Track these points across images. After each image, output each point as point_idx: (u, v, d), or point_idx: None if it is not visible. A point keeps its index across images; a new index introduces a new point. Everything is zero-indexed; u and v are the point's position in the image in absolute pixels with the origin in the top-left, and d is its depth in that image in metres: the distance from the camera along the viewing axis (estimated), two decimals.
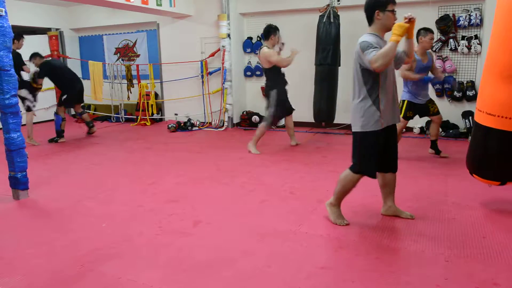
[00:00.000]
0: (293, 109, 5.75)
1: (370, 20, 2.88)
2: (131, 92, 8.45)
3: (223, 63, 7.41)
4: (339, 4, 6.30)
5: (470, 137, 3.27)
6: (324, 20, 6.13)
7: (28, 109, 6.39)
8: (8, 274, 2.48)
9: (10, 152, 3.81)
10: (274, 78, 5.41)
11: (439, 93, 6.33)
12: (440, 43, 6.19)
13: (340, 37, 6.16)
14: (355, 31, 6.55)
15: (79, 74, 9.47)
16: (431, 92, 5.44)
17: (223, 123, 7.61)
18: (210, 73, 7.80)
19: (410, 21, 2.75)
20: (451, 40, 6.11)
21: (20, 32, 6.14)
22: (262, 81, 7.62)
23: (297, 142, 5.90)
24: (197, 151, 5.83)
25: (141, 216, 3.40)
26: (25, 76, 6.30)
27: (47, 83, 8.89)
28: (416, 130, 6.53)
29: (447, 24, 6.05)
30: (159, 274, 2.45)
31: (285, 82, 5.52)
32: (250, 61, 7.80)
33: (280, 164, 4.91)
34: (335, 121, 6.68)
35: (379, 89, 2.82)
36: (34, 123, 6.63)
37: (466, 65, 6.21)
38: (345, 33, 6.20)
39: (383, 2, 2.81)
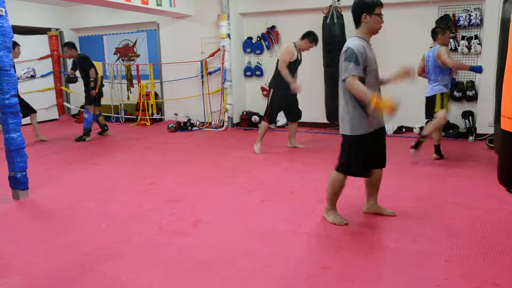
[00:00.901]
0: (299, 117, 5.67)
1: (357, 22, 2.87)
2: (131, 92, 8.45)
3: (223, 63, 7.41)
4: (339, 4, 6.30)
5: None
6: (328, 21, 6.16)
7: None
8: (8, 274, 2.48)
9: (10, 152, 3.81)
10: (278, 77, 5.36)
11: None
12: None
13: (346, 37, 6.18)
14: None
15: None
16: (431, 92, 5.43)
17: (223, 123, 7.61)
18: (210, 73, 7.80)
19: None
20: (451, 40, 6.11)
21: (14, 41, 6.19)
22: (262, 81, 7.68)
23: (295, 145, 5.78)
24: (197, 151, 5.82)
25: (141, 216, 3.40)
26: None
27: (48, 82, 8.96)
28: (416, 130, 6.53)
29: (447, 24, 6.05)
30: (159, 274, 2.44)
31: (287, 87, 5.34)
32: (250, 61, 7.80)
33: (280, 164, 4.91)
34: (335, 121, 6.70)
35: None
36: (27, 124, 6.64)
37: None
38: (351, 33, 6.22)
39: (370, 5, 2.80)
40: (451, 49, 6.14)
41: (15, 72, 6.03)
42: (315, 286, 2.27)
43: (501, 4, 4.22)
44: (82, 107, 9.18)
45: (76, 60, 6.59)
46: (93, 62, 8.47)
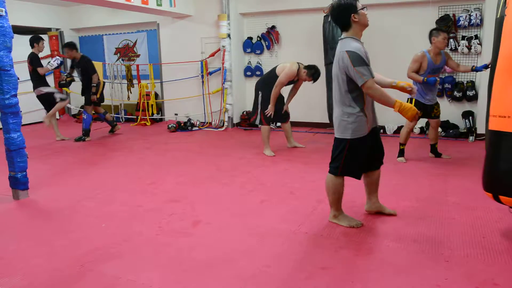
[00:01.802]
0: (288, 118, 5.66)
1: (347, 25, 2.83)
2: (131, 92, 8.45)
3: (223, 63, 7.42)
4: None
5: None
6: (329, 20, 6.16)
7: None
8: (8, 274, 2.48)
9: (10, 152, 3.81)
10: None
11: (439, 93, 6.31)
12: None
13: None
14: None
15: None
16: None
17: (223, 123, 7.61)
18: (210, 73, 7.80)
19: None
20: (451, 40, 6.11)
21: (39, 35, 6.29)
22: None
23: (294, 144, 5.79)
24: (197, 151, 5.83)
25: (141, 216, 3.40)
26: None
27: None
28: (416, 130, 6.53)
29: (447, 24, 6.05)
30: (159, 274, 2.44)
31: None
32: (250, 61, 7.80)
33: (280, 164, 4.91)
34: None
35: (364, 96, 2.83)
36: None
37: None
38: None
39: (353, 5, 2.81)
40: (451, 49, 6.15)
41: (42, 65, 6.19)
42: (315, 286, 2.27)
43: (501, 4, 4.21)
44: (82, 107, 9.21)
45: (79, 62, 6.57)
46: (94, 62, 8.53)
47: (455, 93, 6.20)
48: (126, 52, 9.04)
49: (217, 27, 7.39)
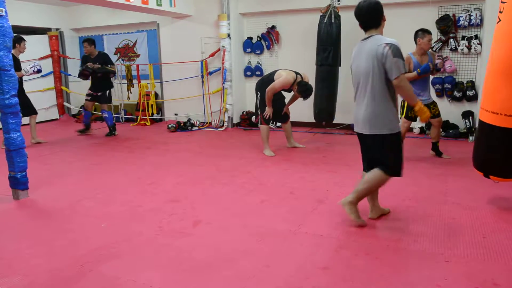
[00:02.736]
0: (288, 118, 5.66)
1: (377, 23, 2.90)
2: (131, 92, 8.44)
3: (223, 63, 7.41)
4: (339, 4, 6.30)
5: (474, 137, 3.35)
6: (325, 21, 6.15)
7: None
8: (8, 274, 2.48)
9: (10, 152, 3.81)
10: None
11: (439, 93, 6.33)
12: (440, 43, 6.19)
13: (342, 37, 6.17)
14: (355, 32, 6.62)
15: None
16: (431, 92, 5.43)
17: (223, 123, 7.61)
18: (210, 73, 7.80)
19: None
20: (451, 40, 6.11)
21: (21, 36, 6.17)
22: None
23: (294, 145, 5.78)
24: (197, 151, 5.83)
25: (141, 216, 3.40)
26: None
27: (48, 82, 8.95)
28: (416, 130, 6.53)
29: (447, 24, 6.05)
30: (159, 274, 2.44)
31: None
32: (250, 61, 7.80)
33: (280, 164, 4.91)
34: (335, 121, 6.70)
35: (395, 91, 2.89)
36: (27, 124, 6.63)
37: (466, 65, 6.21)
38: (345, 34, 6.21)
39: (382, 7, 2.94)
40: (451, 49, 6.15)
41: (21, 68, 6.12)
42: (315, 286, 2.27)
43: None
44: (81, 107, 9.21)
45: (97, 57, 6.78)
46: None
47: (455, 93, 6.20)
48: (126, 52, 9.04)
49: (217, 27, 7.39)
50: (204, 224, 3.18)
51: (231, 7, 7.33)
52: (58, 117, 9.22)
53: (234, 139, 6.62)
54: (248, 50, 7.69)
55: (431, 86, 4.94)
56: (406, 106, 4.73)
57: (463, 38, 6.12)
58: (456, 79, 6.28)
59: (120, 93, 8.64)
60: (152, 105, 8.27)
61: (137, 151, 5.89)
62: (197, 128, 7.68)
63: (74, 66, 9.40)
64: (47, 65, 8.96)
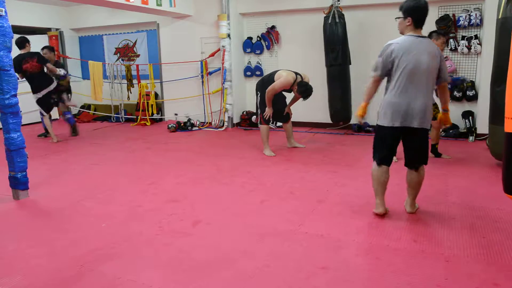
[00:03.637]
0: (289, 118, 5.66)
1: (424, 23, 3.06)
2: (131, 92, 8.45)
3: (223, 63, 7.42)
4: (339, 4, 6.30)
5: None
6: (329, 21, 6.16)
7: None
8: (8, 274, 2.48)
9: (10, 152, 3.81)
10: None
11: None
12: None
13: (348, 36, 6.19)
14: (359, 31, 6.64)
15: (79, 74, 9.54)
16: None
17: (223, 123, 7.61)
18: (210, 73, 7.80)
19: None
20: (451, 40, 6.12)
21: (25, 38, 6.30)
22: None
23: (294, 145, 5.78)
24: (197, 151, 5.83)
25: (141, 216, 3.40)
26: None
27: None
28: None
29: (447, 24, 6.05)
30: (159, 274, 2.45)
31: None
32: (250, 61, 7.80)
33: (280, 164, 4.91)
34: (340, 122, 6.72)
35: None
36: (35, 123, 6.67)
37: (466, 65, 6.21)
38: (353, 33, 6.22)
39: None
40: (451, 49, 6.15)
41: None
42: (315, 286, 2.27)
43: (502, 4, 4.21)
44: (82, 107, 9.22)
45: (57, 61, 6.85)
46: (94, 62, 8.55)
47: (455, 93, 6.20)
48: (126, 52, 9.04)
49: (217, 27, 7.39)
50: (204, 224, 3.18)
51: (231, 7, 7.33)
52: (58, 117, 9.21)
53: (234, 139, 6.62)
54: (248, 50, 7.69)
55: None
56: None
57: (463, 38, 6.12)
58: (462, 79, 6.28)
59: (120, 93, 8.65)
60: (152, 105, 8.27)
61: (137, 151, 5.89)
62: (197, 128, 7.69)
63: (74, 66, 9.42)
64: None
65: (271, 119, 5.34)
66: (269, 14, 7.40)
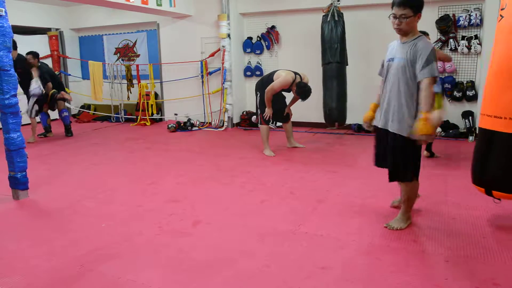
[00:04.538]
0: (289, 118, 5.66)
1: None
2: (131, 92, 8.45)
3: (223, 63, 7.41)
4: (339, 3, 6.30)
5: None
6: (328, 19, 6.14)
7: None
8: (8, 274, 2.48)
9: (10, 152, 3.81)
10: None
11: None
12: (440, 43, 6.19)
13: (346, 36, 6.17)
14: (358, 31, 6.64)
15: (79, 74, 9.54)
16: None
17: (223, 123, 7.61)
18: (210, 73, 7.80)
19: None
20: (451, 40, 6.11)
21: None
22: None
23: (294, 145, 5.77)
24: (197, 151, 5.83)
25: (141, 216, 3.40)
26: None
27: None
28: None
29: (447, 24, 6.05)
30: (159, 274, 2.44)
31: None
32: (250, 61, 7.80)
33: (280, 164, 4.91)
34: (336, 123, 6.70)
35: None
36: (27, 124, 6.67)
37: (466, 65, 6.21)
38: (351, 32, 6.21)
39: None
40: (451, 49, 6.15)
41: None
42: (315, 286, 2.27)
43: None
44: (82, 107, 9.22)
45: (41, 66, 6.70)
46: (94, 62, 8.56)
47: (455, 93, 6.20)
48: (126, 52, 9.04)
49: (217, 27, 7.39)
50: (204, 224, 3.18)
51: (231, 7, 7.33)
52: (57, 117, 9.20)
53: (234, 139, 6.62)
54: (248, 50, 7.69)
55: None
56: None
57: (463, 38, 6.12)
58: (456, 79, 6.28)
59: (120, 93, 8.64)
60: (152, 105, 8.27)
61: (137, 151, 5.89)
62: (197, 128, 7.68)
63: (74, 66, 9.42)
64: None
65: (271, 119, 5.35)
66: (269, 14, 7.40)
